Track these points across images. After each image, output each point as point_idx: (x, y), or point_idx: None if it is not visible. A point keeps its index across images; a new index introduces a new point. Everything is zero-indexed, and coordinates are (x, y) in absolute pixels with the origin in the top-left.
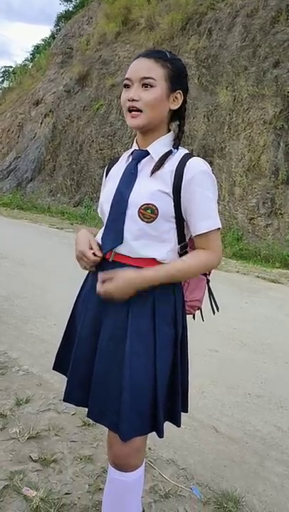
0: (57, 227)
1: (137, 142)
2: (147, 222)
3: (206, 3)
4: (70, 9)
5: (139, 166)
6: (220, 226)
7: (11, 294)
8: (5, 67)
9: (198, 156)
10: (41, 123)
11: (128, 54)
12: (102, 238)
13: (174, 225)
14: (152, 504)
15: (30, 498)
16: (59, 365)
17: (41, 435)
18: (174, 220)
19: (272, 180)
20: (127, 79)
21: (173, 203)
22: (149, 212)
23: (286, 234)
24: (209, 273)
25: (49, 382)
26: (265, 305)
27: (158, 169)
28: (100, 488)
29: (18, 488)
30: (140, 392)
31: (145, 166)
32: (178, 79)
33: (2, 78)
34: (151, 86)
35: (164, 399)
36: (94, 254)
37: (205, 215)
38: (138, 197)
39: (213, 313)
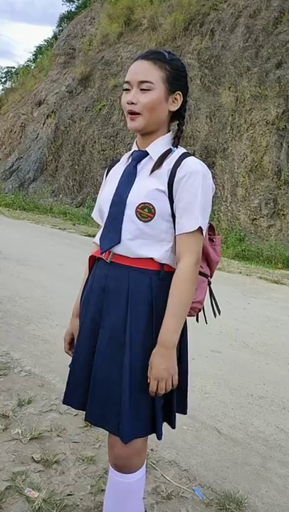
0: (59, 228)
1: (136, 143)
2: (145, 221)
3: (208, 4)
4: (73, 10)
5: (139, 167)
6: (201, 226)
7: (13, 295)
8: (7, 67)
9: (200, 156)
10: (43, 123)
11: (130, 54)
12: (100, 238)
13: (172, 225)
14: (154, 505)
15: (32, 499)
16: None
17: (43, 436)
18: (171, 220)
19: (275, 181)
20: (126, 82)
21: (169, 201)
22: (146, 212)
23: (288, 235)
24: (211, 275)
25: (51, 383)
26: (268, 306)
27: (158, 167)
28: (102, 490)
29: (20, 489)
30: (140, 393)
31: (144, 167)
32: (177, 80)
33: (5, 79)
34: (149, 89)
35: (162, 400)
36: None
37: (187, 215)
38: (136, 196)
39: (215, 315)
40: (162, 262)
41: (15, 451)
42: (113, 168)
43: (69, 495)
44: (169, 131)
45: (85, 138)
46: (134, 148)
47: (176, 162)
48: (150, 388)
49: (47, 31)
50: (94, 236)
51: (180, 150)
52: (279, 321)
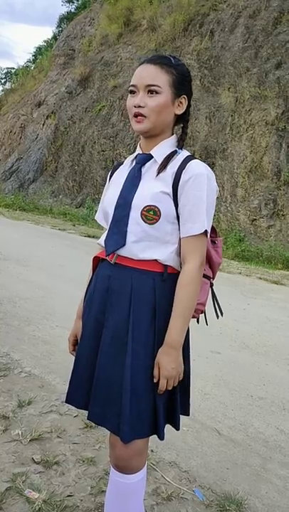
0: (59, 229)
1: (140, 146)
2: (150, 223)
3: (208, 5)
4: (72, 10)
5: (143, 170)
6: (207, 229)
7: (13, 296)
8: (7, 68)
9: (200, 157)
10: (43, 124)
11: (130, 55)
12: (105, 241)
13: (177, 227)
14: (154, 507)
15: (32, 500)
16: None
17: (43, 437)
18: (176, 222)
19: (275, 181)
20: (132, 85)
21: (173, 204)
22: (151, 214)
23: (288, 235)
24: (213, 277)
25: (51, 384)
26: (268, 306)
27: (163, 169)
28: (103, 491)
29: (20, 490)
30: (141, 394)
31: (149, 170)
32: (182, 84)
33: (4, 79)
34: (157, 93)
35: (164, 401)
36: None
37: (193, 218)
38: (141, 199)
39: (217, 317)
40: (166, 264)
41: (15, 452)
42: (117, 171)
43: (69, 496)
44: (173, 134)
45: (85, 138)
46: (138, 151)
47: (180, 165)
48: (160, 387)
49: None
50: (94, 237)
51: (184, 153)
52: (279, 321)
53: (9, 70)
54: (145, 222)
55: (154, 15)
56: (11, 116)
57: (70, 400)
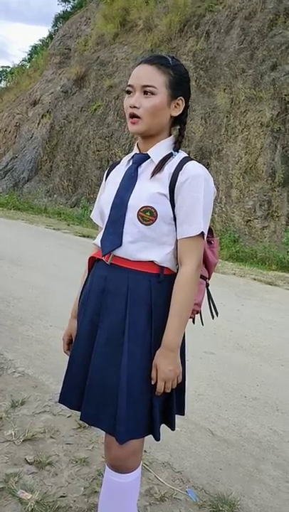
0: (53, 228)
1: (138, 146)
2: (146, 224)
3: (204, 6)
4: (68, 10)
5: (140, 170)
6: (203, 231)
7: (7, 295)
8: (2, 67)
9: (195, 158)
10: (38, 123)
11: (126, 55)
12: (101, 241)
13: (174, 228)
14: (148, 507)
15: (25, 500)
16: None
17: (37, 437)
18: (173, 223)
19: (269, 182)
20: (129, 85)
21: (170, 205)
22: (148, 215)
23: (282, 236)
24: (209, 277)
25: (45, 384)
26: (262, 307)
27: (159, 171)
28: (96, 491)
29: (13, 490)
30: (137, 394)
31: (145, 170)
32: (179, 85)
33: (0, 78)
34: (152, 93)
35: (160, 401)
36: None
37: (189, 220)
38: (137, 200)
39: (212, 317)
40: (163, 265)
41: (8, 452)
42: (113, 170)
43: (62, 497)
44: (170, 135)
45: (80, 138)
46: (135, 151)
47: (177, 166)
48: (157, 389)
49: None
50: (88, 236)
51: (181, 154)
52: (272, 322)
53: (4, 68)
54: (141, 222)
55: (150, 15)
56: (6, 115)
57: (63, 400)
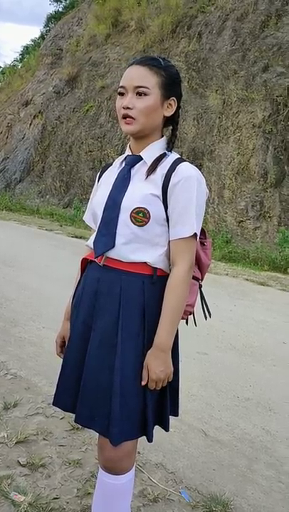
0: (46, 229)
1: (130, 148)
2: (139, 225)
3: (196, 7)
4: (60, 10)
5: (132, 171)
6: (196, 232)
7: None
8: None
9: (187, 158)
10: (30, 124)
11: (118, 56)
12: (94, 242)
13: (167, 229)
14: (141, 508)
15: (18, 503)
16: None
17: (29, 439)
18: (166, 224)
19: (261, 183)
20: (121, 87)
21: (163, 206)
22: (140, 216)
23: (274, 237)
24: (202, 278)
25: (37, 386)
26: (254, 308)
27: (152, 172)
28: (89, 493)
29: (6, 493)
30: (130, 396)
31: (138, 171)
32: (172, 86)
33: None
34: (145, 94)
35: (154, 403)
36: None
37: (182, 221)
38: (130, 201)
39: (205, 318)
40: (155, 266)
41: (0, 454)
42: (106, 172)
43: (55, 498)
44: (163, 136)
45: (73, 139)
46: (128, 152)
47: (170, 167)
48: (148, 388)
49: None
50: (81, 237)
51: (174, 155)
52: (265, 322)
53: None
54: (134, 224)
55: (143, 16)
56: None
57: (56, 402)
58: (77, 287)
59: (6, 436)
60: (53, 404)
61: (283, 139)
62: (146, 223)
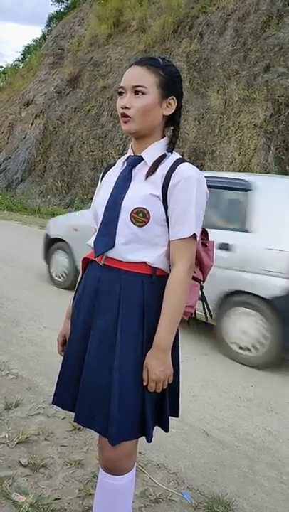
0: None
1: (132, 148)
2: (139, 226)
3: (197, 7)
4: (62, 10)
5: (134, 172)
6: (195, 232)
7: (0, 297)
8: None
9: (189, 159)
10: (32, 124)
11: (119, 56)
12: (94, 242)
13: (167, 229)
14: (143, 509)
15: (19, 503)
16: None
17: (31, 440)
18: (166, 224)
19: None
20: (121, 87)
21: (163, 206)
22: (140, 216)
23: None
24: (204, 279)
25: (39, 386)
26: None
27: (152, 173)
28: (90, 494)
29: (7, 493)
30: (129, 396)
31: (139, 172)
32: (171, 85)
33: None
34: (143, 93)
35: (153, 403)
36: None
37: (182, 221)
38: (130, 201)
39: (206, 319)
40: (155, 266)
41: (2, 455)
42: (108, 173)
43: (56, 499)
44: (164, 136)
45: (74, 139)
46: (130, 153)
47: (170, 168)
48: (149, 389)
49: (36, 31)
50: None
51: (174, 156)
52: None
53: None
54: (134, 224)
55: (144, 16)
56: None
57: (56, 401)
58: (78, 286)
59: (7, 436)
60: (53, 403)
61: (285, 139)
62: (146, 223)
